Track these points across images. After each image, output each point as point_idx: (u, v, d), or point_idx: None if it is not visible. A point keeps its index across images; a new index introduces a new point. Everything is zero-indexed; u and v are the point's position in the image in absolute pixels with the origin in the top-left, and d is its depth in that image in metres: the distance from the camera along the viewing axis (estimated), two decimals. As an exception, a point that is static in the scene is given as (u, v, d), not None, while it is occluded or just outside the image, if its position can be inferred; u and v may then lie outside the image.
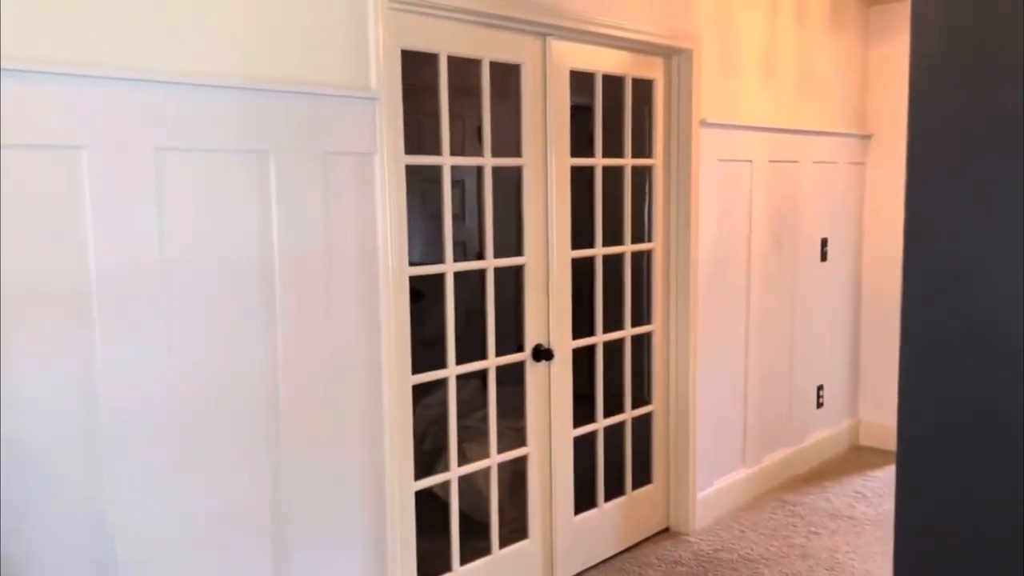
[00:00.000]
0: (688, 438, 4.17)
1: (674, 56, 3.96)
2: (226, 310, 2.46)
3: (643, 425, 4.12)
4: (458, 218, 5.58)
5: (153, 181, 2.27)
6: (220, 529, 2.48)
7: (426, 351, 3.24)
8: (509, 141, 3.38)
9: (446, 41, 3.05)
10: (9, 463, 2.04)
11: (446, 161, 3.12)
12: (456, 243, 3.23)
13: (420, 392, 3.19)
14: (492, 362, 3.37)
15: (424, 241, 5.03)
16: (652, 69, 3.91)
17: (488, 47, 3.20)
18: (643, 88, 3.91)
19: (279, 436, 2.61)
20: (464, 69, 3.18)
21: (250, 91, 2.44)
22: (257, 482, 2.56)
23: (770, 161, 4.55)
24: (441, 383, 3.23)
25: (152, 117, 2.25)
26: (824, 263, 5.11)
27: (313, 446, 2.69)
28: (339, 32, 2.68)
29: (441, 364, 3.19)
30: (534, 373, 3.52)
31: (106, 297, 2.19)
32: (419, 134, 3.12)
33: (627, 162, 3.86)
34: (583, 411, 3.77)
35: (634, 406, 4.03)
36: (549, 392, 3.58)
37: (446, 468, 3.26)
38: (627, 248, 3.92)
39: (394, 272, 2.89)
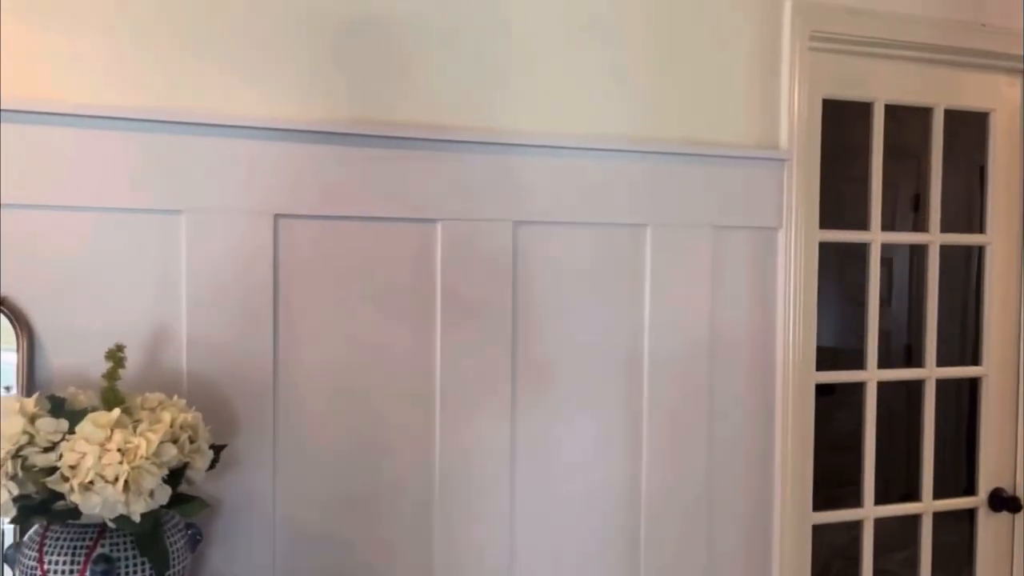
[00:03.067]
0: None
1: None
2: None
3: None
4: (883, 303, 4.64)
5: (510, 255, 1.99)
6: (559, 674, 2.06)
7: (831, 462, 2.53)
8: (958, 212, 2.56)
9: (884, 85, 2.38)
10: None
11: (875, 238, 2.42)
12: (880, 333, 2.48)
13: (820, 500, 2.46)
14: (928, 505, 2.52)
15: (834, 329, 4.21)
16: None
17: (943, 91, 2.45)
18: None
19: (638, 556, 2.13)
20: (899, 121, 2.46)
21: (617, 154, 2.06)
22: (607, 623, 2.10)
23: None
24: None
25: (509, 186, 1.98)
26: None
27: (678, 588, 2.16)
28: (739, 78, 2.18)
29: (855, 498, 2.45)
30: (990, 525, 2.57)
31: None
32: (837, 203, 2.48)
33: None
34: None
35: None
36: (1012, 555, 2.59)
37: (854, 637, 2.47)
38: None
39: (796, 377, 2.26)
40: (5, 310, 1.58)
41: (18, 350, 1.59)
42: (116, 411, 1.40)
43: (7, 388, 1.58)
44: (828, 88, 2.30)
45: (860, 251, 2.44)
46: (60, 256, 1.65)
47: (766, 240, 2.23)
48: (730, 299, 2.20)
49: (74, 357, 1.64)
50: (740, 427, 2.23)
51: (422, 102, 1.91)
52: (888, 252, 4.63)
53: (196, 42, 1.74)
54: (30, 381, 1.60)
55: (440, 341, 1.93)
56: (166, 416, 1.44)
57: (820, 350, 2.34)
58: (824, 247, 2.31)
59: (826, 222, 2.33)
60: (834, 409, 2.88)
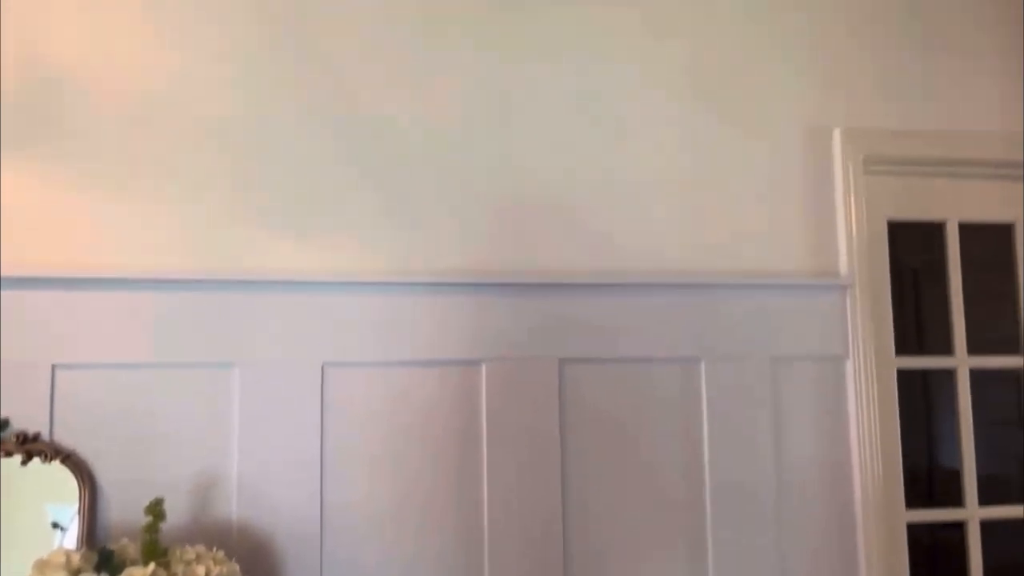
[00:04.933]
0: None
1: None
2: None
3: None
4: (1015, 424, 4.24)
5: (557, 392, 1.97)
6: None
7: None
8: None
9: (954, 204, 2.27)
10: None
11: (961, 363, 2.26)
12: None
13: None
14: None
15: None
16: None
17: (1017, 205, 2.31)
18: None
19: None
20: (983, 237, 2.33)
21: (672, 287, 2.04)
22: None
23: None
24: None
25: (555, 325, 1.99)
26: None
27: None
28: (793, 206, 2.14)
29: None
30: None
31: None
32: (916, 326, 2.34)
33: None
34: None
35: None
36: None
37: None
38: None
39: (880, 518, 2.08)
40: (70, 465, 1.70)
41: (80, 502, 1.69)
42: (151, 566, 1.45)
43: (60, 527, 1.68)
44: (891, 210, 2.22)
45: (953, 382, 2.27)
46: (120, 412, 1.77)
47: (833, 370, 2.12)
48: (796, 435, 2.08)
49: (130, 508, 1.73)
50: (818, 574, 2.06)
51: (464, 248, 1.97)
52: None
53: (243, 207, 1.88)
54: (90, 532, 1.69)
55: (487, 482, 1.91)
56: (200, 570, 1.49)
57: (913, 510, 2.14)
58: (905, 377, 2.17)
59: (906, 346, 2.19)
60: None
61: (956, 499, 2.24)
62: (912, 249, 2.32)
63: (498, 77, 2.04)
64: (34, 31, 1.84)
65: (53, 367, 1.74)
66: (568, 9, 2.10)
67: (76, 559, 1.48)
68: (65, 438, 1.73)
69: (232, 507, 1.79)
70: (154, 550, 1.52)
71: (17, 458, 1.68)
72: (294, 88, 1.94)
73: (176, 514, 1.72)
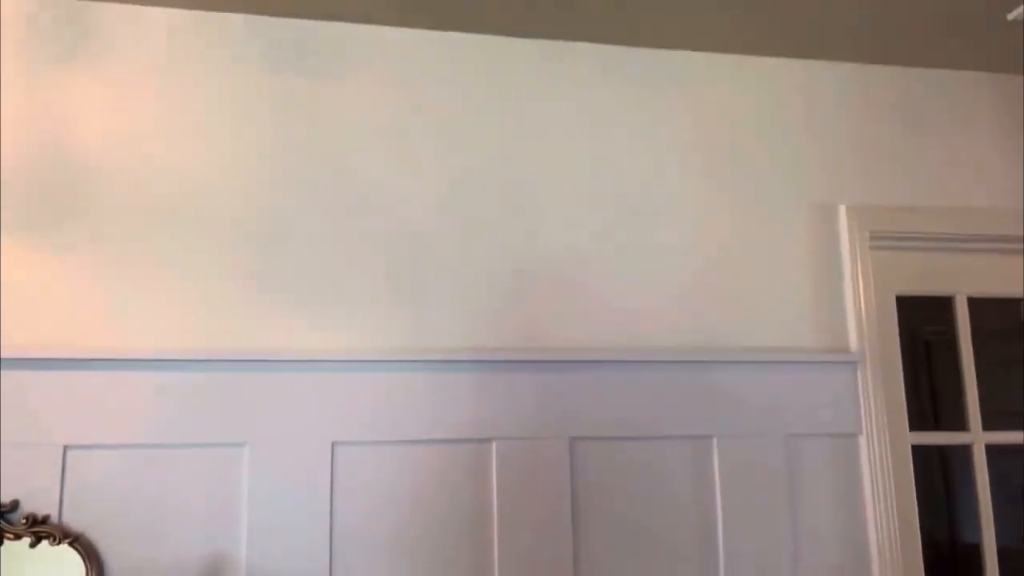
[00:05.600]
0: None
1: None
2: (656, 641, 1.93)
3: None
4: (1012, 499, 4.14)
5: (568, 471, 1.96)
6: None
7: None
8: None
9: (963, 278, 2.28)
10: None
11: (976, 439, 2.23)
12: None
13: None
14: None
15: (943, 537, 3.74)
16: None
17: (1031, 278, 2.32)
18: None
19: None
20: (993, 311, 2.33)
21: (682, 364, 2.04)
22: None
23: None
24: None
25: (564, 402, 1.98)
26: None
27: None
28: (801, 283, 2.16)
29: None
30: None
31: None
32: (932, 401, 2.32)
33: None
34: None
35: None
36: None
37: None
38: None
39: (899, 600, 2.04)
40: (79, 547, 1.69)
41: (87, 584, 1.67)
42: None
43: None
44: (899, 285, 2.23)
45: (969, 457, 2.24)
46: (130, 492, 1.76)
47: (847, 447, 2.10)
48: (812, 513, 2.05)
49: (137, 591, 1.71)
50: (838, 658, 2.01)
51: (474, 326, 1.99)
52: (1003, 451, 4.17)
53: (252, 287, 1.91)
54: (96, 615, 1.67)
55: (498, 562, 1.88)
56: (206, 658, 1.46)
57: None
58: (920, 453, 2.15)
59: (920, 422, 2.17)
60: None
61: (977, 574, 2.19)
62: (922, 321, 2.32)
63: (506, 156, 2.09)
64: (56, 117, 1.90)
65: (64, 448, 1.74)
66: (575, 91, 2.16)
67: (81, 647, 1.46)
68: (75, 519, 1.72)
69: (240, 590, 1.77)
70: (160, 637, 1.50)
71: (26, 541, 1.67)
72: (305, 172, 1.99)
73: (183, 598, 1.70)
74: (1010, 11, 2.06)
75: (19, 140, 1.87)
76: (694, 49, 2.22)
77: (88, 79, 1.93)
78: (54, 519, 1.71)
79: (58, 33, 1.94)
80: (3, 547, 1.66)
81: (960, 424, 2.25)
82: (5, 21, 1.92)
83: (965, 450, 2.24)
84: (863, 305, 2.15)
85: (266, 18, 2.03)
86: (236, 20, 2.02)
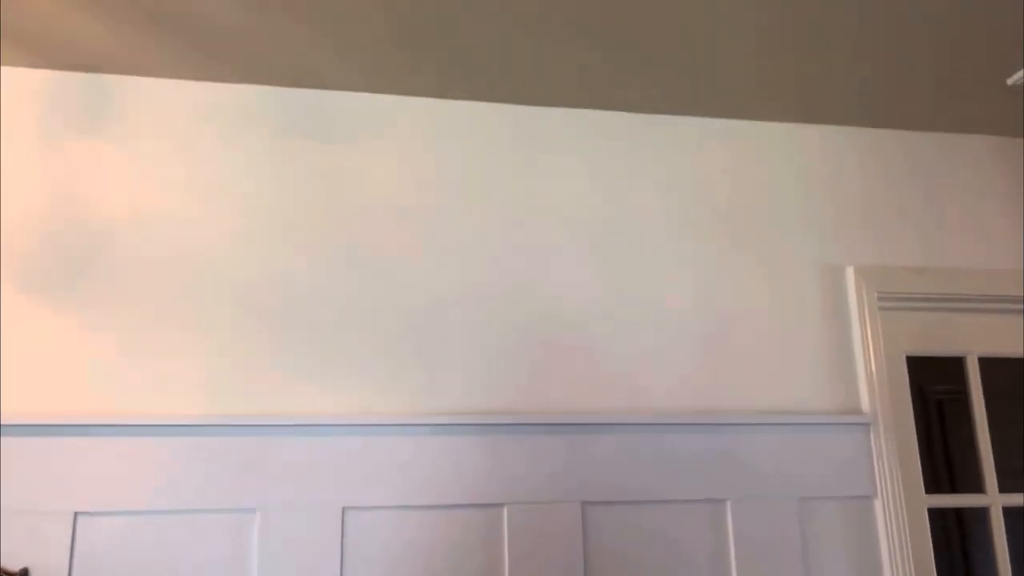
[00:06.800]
0: None
1: None
2: None
3: None
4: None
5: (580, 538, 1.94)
6: None
7: None
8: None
9: (974, 338, 2.28)
10: None
11: (993, 501, 2.20)
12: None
13: None
14: None
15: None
16: None
17: (1042, 338, 2.32)
18: None
19: None
20: (1003, 370, 2.33)
21: (692, 426, 2.03)
22: None
23: None
24: None
25: (576, 467, 1.97)
26: None
27: None
28: (810, 345, 2.16)
29: None
30: None
31: None
32: (946, 462, 2.30)
33: None
34: None
35: None
36: None
37: None
38: None
39: (920, 670, 1.99)
40: (86, 615, 1.67)
41: (94, 656, 1.65)
42: None
43: None
44: (909, 345, 2.23)
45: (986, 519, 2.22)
46: (140, 559, 1.75)
47: (861, 509, 2.08)
48: (830, 572, 2.02)
49: (144, 662, 1.68)
50: None
51: (484, 389, 1.99)
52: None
53: (263, 352, 1.92)
54: None
55: (509, 634, 1.86)
56: None
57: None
58: (937, 514, 2.12)
59: (936, 484, 2.15)
60: None
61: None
62: (933, 381, 2.32)
63: (518, 221, 2.12)
64: (73, 185, 1.95)
65: (75, 515, 1.74)
66: (586, 157, 2.20)
67: None
68: (83, 587, 1.71)
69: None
70: None
71: (34, 610, 1.66)
72: (318, 238, 2.02)
73: (191, 669, 1.68)
74: (1009, 76, 2.10)
75: (34, 205, 1.92)
76: (703, 115, 2.27)
77: (107, 149, 1.98)
78: (63, 587, 1.70)
79: (76, 104, 2.00)
80: (11, 616, 1.65)
81: (976, 486, 2.22)
82: (22, 92, 1.98)
83: (982, 512, 2.21)
84: (874, 366, 2.15)
85: (280, 89, 2.09)
86: (250, 91, 2.08)
